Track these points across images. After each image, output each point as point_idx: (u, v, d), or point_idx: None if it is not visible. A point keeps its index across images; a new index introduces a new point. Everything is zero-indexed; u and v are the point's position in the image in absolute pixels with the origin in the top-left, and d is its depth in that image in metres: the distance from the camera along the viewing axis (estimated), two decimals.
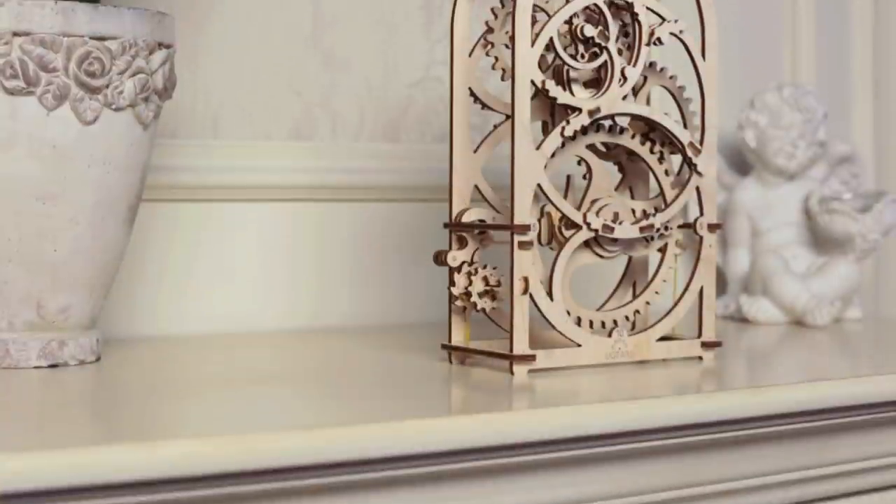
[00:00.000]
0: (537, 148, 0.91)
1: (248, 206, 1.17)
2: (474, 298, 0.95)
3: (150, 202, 1.08)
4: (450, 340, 0.97)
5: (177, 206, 1.14)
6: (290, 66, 1.20)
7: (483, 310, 0.95)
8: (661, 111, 0.98)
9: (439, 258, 0.96)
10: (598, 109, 0.93)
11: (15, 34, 0.88)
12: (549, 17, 0.93)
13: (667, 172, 0.99)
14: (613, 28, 0.94)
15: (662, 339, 0.98)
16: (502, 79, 0.98)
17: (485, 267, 0.95)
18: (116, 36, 0.91)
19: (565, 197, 0.95)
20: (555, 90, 0.92)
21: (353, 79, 1.23)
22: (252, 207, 1.18)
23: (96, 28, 0.90)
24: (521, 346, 0.91)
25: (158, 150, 1.09)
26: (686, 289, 0.99)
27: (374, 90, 1.24)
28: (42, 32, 0.88)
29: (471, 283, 0.95)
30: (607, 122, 0.97)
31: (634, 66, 0.95)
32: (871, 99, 1.54)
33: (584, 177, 0.98)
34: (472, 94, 0.98)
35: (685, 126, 0.99)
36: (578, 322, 0.96)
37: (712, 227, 0.99)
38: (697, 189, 0.98)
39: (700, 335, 0.99)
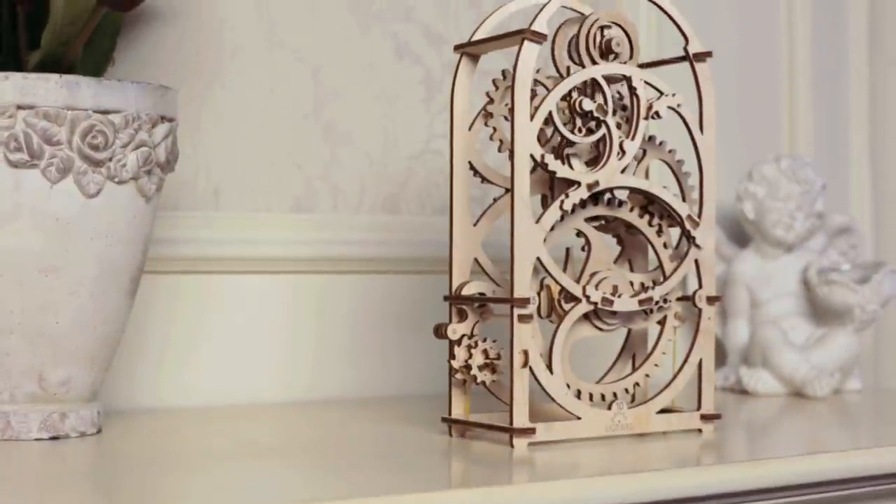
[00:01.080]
0: (537, 221, 0.92)
1: (248, 277, 1.18)
2: (474, 371, 0.95)
3: (151, 274, 1.08)
4: (450, 413, 0.97)
5: (178, 278, 1.15)
6: (291, 139, 1.21)
7: (483, 383, 0.95)
8: (660, 184, 0.98)
9: (439, 331, 0.96)
10: (596, 183, 0.94)
11: (19, 107, 0.88)
12: (548, 91, 0.94)
13: (665, 245, 0.99)
14: (612, 102, 0.95)
15: (662, 411, 0.98)
16: (499, 150, 0.99)
17: (485, 340, 0.95)
18: (120, 109, 0.91)
19: (564, 270, 0.95)
20: (554, 164, 0.93)
21: (353, 152, 1.23)
22: (253, 279, 1.18)
23: (100, 102, 0.90)
24: (521, 419, 0.91)
25: (160, 222, 1.10)
26: (685, 361, 0.99)
27: (375, 163, 1.24)
28: (46, 106, 0.89)
29: (471, 355, 0.95)
30: (606, 196, 0.97)
31: (633, 139, 0.95)
32: (869, 170, 1.55)
33: (583, 249, 0.98)
34: (472, 167, 0.98)
35: (684, 199, 0.99)
36: (578, 395, 0.96)
37: (711, 300, 0.99)
38: (696, 262, 0.99)
39: (699, 407, 0.99)
